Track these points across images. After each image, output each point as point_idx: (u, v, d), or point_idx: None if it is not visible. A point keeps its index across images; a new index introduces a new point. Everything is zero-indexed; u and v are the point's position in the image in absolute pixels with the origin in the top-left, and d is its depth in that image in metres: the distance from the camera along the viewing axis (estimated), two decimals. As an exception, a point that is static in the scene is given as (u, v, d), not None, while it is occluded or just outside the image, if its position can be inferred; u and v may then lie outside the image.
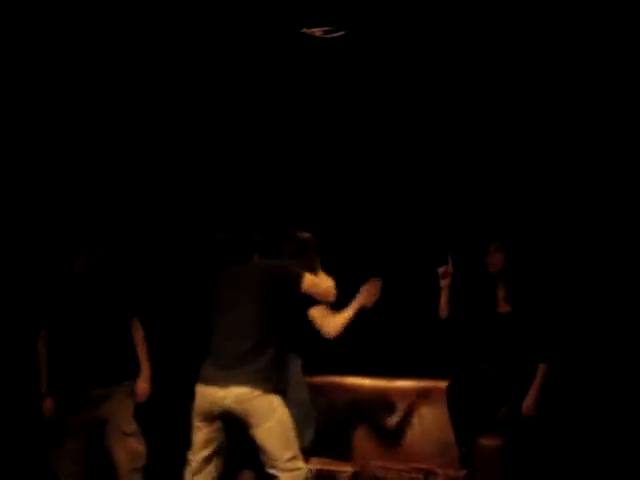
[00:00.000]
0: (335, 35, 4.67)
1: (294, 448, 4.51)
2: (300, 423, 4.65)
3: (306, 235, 5.04)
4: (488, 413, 5.27)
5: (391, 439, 5.56)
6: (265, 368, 4.51)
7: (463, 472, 5.14)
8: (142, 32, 5.40)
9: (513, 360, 5.28)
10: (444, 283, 5.44)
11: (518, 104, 5.85)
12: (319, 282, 4.79)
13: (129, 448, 5.14)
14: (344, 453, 5.44)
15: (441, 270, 5.42)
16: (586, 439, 5.47)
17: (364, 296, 4.87)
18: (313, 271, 4.87)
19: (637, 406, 5.46)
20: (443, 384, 5.54)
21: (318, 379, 5.56)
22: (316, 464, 5.08)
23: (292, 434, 4.52)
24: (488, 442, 5.12)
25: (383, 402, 5.64)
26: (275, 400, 4.51)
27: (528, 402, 5.19)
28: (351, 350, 6.02)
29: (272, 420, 4.46)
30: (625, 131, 5.66)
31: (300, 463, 4.51)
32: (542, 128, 5.87)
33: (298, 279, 4.68)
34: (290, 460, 4.47)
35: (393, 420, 5.62)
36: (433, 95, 5.92)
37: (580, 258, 5.83)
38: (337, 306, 4.96)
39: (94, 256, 5.16)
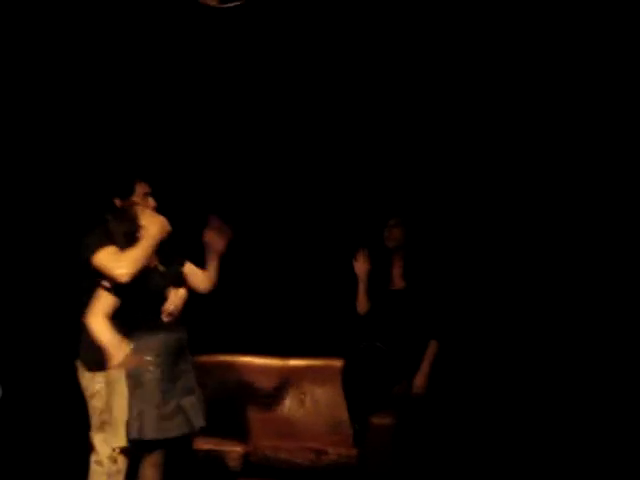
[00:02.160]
0: (230, 5, 4.54)
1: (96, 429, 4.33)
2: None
3: (130, 202, 4.44)
4: (382, 391, 5.27)
5: (283, 418, 5.54)
6: (84, 345, 4.35)
7: (355, 450, 5.13)
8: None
9: (406, 337, 5.27)
10: (362, 275, 5.33)
11: (411, 76, 5.82)
12: (107, 263, 4.19)
13: None
14: (234, 433, 5.36)
15: (358, 261, 5.32)
16: (478, 416, 5.53)
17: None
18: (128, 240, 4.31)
19: (530, 383, 5.55)
20: (336, 362, 5.54)
21: (208, 358, 5.46)
22: (206, 444, 5.00)
23: (102, 418, 4.31)
24: (380, 420, 5.12)
25: (274, 381, 5.61)
26: (96, 378, 4.33)
27: (418, 380, 5.19)
28: (243, 329, 5.96)
29: (86, 395, 4.37)
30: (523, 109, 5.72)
31: (98, 447, 4.32)
32: (437, 102, 5.86)
33: (89, 253, 4.23)
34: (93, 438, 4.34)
35: (285, 399, 5.60)
36: (330, 68, 5.83)
37: (476, 236, 5.86)
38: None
39: None
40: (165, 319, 4.33)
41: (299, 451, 5.14)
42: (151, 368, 4.32)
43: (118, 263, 4.16)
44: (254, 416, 5.52)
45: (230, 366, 5.65)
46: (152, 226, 4.29)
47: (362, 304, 5.38)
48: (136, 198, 4.44)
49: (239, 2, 4.54)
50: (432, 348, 5.23)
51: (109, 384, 4.33)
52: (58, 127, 5.84)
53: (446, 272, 5.48)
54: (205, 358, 5.32)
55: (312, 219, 6.10)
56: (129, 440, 4.29)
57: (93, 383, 4.36)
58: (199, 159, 6.09)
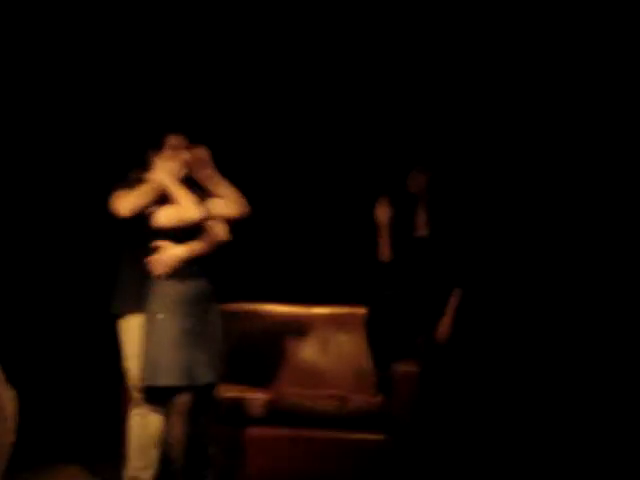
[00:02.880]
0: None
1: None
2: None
3: None
4: (406, 339, 5.26)
5: (306, 366, 5.52)
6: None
7: (379, 398, 5.12)
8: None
9: (430, 285, 5.24)
10: (383, 222, 5.28)
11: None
12: (112, 202, 4.46)
13: None
14: (258, 380, 5.36)
15: (379, 209, 5.28)
16: (502, 364, 5.52)
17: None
18: None
19: (552, 333, 5.52)
20: (359, 310, 5.52)
21: (232, 306, 5.45)
22: (229, 392, 5.00)
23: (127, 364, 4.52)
24: (404, 368, 5.10)
25: (299, 329, 5.58)
26: (123, 324, 4.52)
27: (441, 328, 5.18)
28: (266, 277, 5.96)
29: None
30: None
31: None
32: (465, 54, 5.83)
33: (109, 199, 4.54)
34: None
35: (308, 347, 5.58)
36: (348, 41, 5.92)
37: (501, 183, 5.83)
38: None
39: None
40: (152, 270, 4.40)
41: (323, 398, 5.13)
42: (164, 316, 4.35)
43: (118, 201, 4.38)
44: (278, 364, 5.51)
45: (254, 314, 5.63)
46: (158, 171, 4.45)
47: (385, 252, 5.34)
48: (167, 151, 4.48)
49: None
50: (456, 296, 5.21)
51: (125, 331, 4.49)
52: (92, 85, 5.93)
53: (470, 219, 5.43)
54: (229, 307, 5.30)
55: (334, 166, 6.06)
56: (144, 387, 4.39)
57: (123, 330, 4.52)
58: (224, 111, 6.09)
